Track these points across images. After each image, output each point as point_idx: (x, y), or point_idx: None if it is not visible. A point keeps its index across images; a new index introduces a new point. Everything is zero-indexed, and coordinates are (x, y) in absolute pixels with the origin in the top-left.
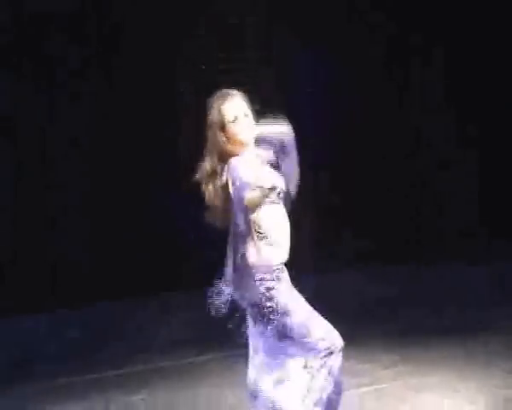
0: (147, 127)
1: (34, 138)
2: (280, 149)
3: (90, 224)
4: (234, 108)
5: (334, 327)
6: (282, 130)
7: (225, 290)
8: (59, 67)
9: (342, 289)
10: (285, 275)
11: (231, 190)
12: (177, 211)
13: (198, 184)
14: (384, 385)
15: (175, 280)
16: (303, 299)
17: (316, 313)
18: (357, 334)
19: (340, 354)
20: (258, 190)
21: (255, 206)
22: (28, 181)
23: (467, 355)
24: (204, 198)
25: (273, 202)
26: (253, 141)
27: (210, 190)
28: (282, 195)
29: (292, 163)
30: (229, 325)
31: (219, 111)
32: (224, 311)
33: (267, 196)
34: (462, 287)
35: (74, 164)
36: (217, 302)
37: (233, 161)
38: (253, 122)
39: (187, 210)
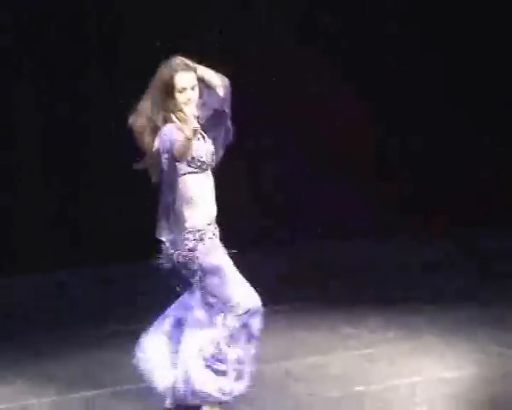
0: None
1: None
2: (217, 102)
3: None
4: (185, 79)
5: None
6: (222, 79)
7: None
8: (59, 67)
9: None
10: (212, 237)
11: (161, 158)
12: None
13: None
14: (371, 350)
15: None
16: (230, 262)
17: (239, 276)
18: (345, 300)
19: (259, 315)
20: (183, 140)
21: (183, 154)
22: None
23: (453, 323)
24: (138, 144)
25: (197, 172)
26: (194, 109)
27: (146, 141)
28: (208, 165)
29: (224, 124)
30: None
31: (171, 77)
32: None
33: (201, 167)
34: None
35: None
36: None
37: (166, 126)
38: (197, 97)
39: None
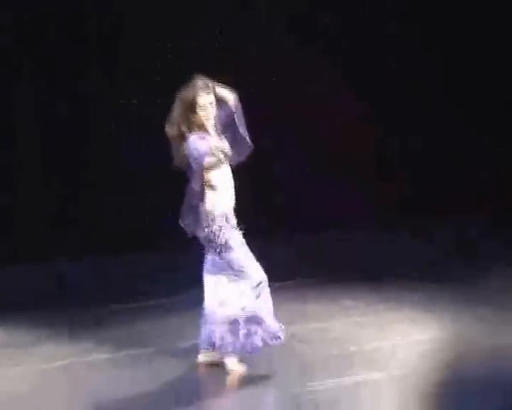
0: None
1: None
2: (230, 114)
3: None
4: (206, 98)
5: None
6: (232, 96)
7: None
8: (59, 67)
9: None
10: (231, 220)
11: (190, 160)
12: None
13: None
14: (364, 318)
15: None
16: (243, 241)
17: (251, 254)
18: (344, 278)
19: (267, 287)
20: (213, 156)
21: (212, 168)
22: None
23: (431, 298)
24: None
25: (221, 164)
26: (213, 121)
27: (176, 146)
28: (228, 158)
29: (241, 129)
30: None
31: (194, 96)
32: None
33: (221, 161)
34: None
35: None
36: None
37: (190, 137)
38: (215, 111)
39: None
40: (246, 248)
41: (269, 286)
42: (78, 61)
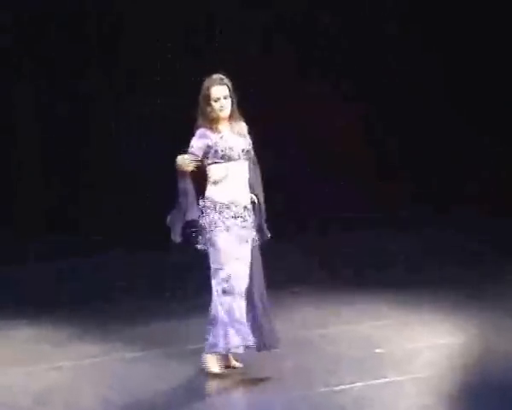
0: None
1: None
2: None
3: None
4: (220, 90)
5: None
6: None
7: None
8: (59, 67)
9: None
10: (230, 215)
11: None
12: None
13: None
14: (388, 321)
15: None
16: (236, 242)
17: (235, 259)
18: (367, 282)
19: (238, 298)
20: (186, 156)
21: (213, 163)
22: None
23: (452, 303)
24: None
25: (221, 162)
26: (226, 114)
27: None
28: (231, 157)
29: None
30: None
31: (208, 89)
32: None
33: (226, 157)
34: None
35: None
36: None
37: (197, 131)
38: (230, 103)
39: None
40: (234, 250)
41: (266, 297)
42: (78, 61)
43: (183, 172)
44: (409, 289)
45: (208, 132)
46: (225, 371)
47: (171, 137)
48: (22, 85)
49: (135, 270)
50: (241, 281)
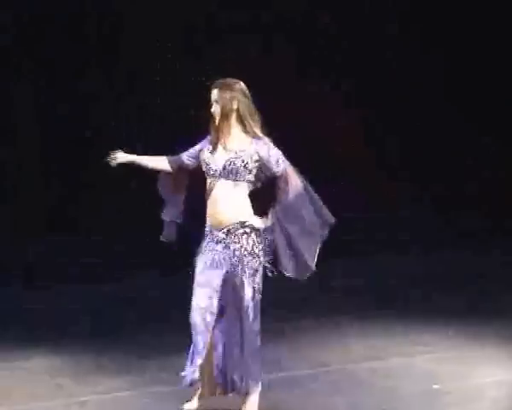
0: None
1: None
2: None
3: None
4: (212, 94)
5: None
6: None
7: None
8: (59, 67)
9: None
10: (211, 238)
11: None
12: None
13: None
14: (446, 354)
15: None
16: (204, 267)
17: (197, 286)
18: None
19: (198, 330)
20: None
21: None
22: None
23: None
24: None
25: (210, 178)
26: (216, 122)
27: None
28: (218, 174)
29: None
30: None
31: (209, 92)
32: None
33: (207, 174)
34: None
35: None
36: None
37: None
38: (219, 108)
39: None
40: (198, 275)
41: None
42: (78, 61)
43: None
44: (470, 317)
45: (208, 139)
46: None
47: (171, 137)
48: (22, 85)
49: (165, 297)
50: (197, 313)
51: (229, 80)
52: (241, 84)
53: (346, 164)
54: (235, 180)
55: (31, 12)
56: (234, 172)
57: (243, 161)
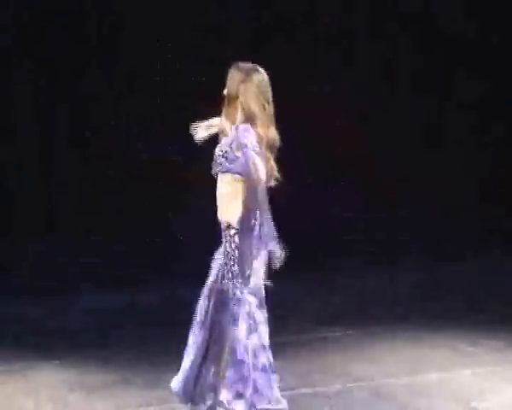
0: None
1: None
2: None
3: None
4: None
5: None
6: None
7: None
8: (59, 67)
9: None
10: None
11: None
12: None
13: None
14: (489, 368)
15: None
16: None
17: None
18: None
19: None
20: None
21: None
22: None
23: None
24: None
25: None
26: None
27: None
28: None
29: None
30: None
31: None
32: None
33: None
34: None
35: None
36: None
37: None
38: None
39: None
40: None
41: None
42: (78, 61)
43: None
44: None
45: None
46: None
47: (171, 137)
48: (22, 85)
49: (173, 308)
50: (195, 322)
51: (247, 65)
52: (259, 70)
53: (346, 164)
54: (222, 172)
55: (31, 11)
56: (218, 162)
57: (222, 151)
